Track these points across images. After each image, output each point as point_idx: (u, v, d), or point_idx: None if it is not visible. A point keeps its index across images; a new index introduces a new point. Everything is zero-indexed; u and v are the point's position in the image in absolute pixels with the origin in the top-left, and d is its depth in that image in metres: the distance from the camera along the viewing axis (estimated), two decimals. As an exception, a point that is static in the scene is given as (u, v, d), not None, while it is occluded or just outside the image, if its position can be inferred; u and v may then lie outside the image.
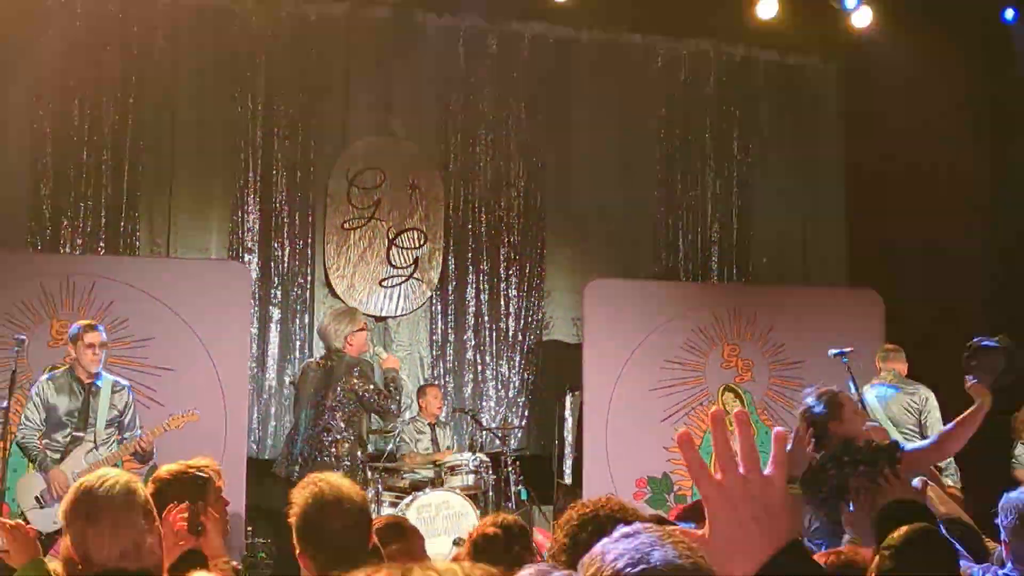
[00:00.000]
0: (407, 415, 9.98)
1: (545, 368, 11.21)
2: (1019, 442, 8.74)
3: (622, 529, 1.64)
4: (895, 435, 7.54)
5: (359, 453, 8.35)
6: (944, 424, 7.61)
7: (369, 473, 8.82)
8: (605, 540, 1.64)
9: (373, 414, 8.77)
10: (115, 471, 3.21)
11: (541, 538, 8.19)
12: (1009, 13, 10.93)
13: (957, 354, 6.90)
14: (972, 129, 11.39)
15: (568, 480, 10.35)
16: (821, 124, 12.14)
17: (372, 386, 8.13)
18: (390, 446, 9.62)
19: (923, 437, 7.74)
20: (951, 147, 11.24)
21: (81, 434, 7.39)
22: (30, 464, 7.61)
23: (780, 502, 1.52)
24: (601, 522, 2.80)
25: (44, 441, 7.35)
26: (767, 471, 1.53)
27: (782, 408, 10.20)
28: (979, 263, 11.34)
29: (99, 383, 7.47)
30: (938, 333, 10.43)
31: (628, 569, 1.53)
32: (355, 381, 8.09)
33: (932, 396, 8.28)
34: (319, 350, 10.47)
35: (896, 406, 8.24)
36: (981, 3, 11.14)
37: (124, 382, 7.83)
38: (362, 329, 8.39)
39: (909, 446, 5.32)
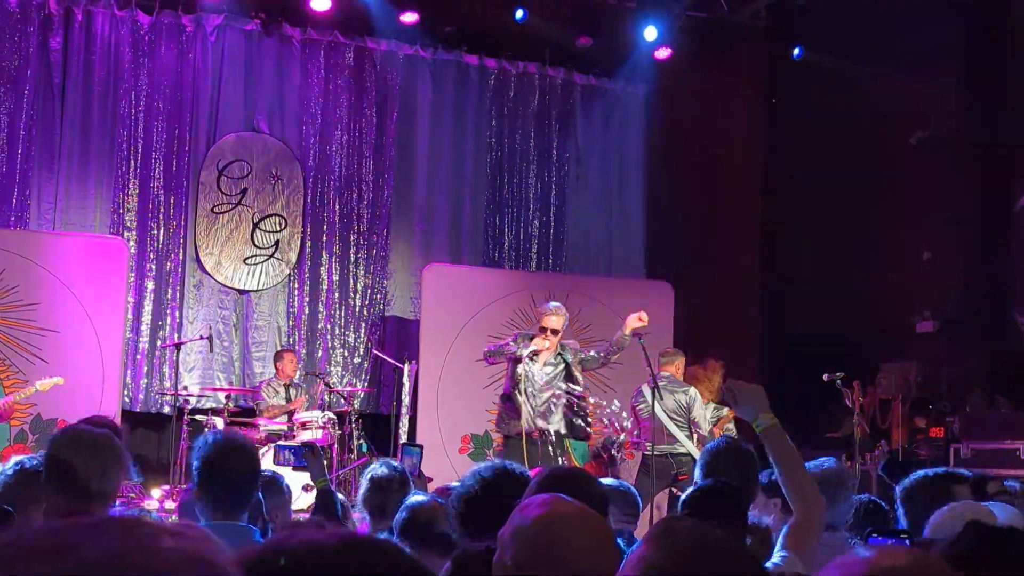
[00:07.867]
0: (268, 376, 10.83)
1: (386, 340, 12.00)
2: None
3: None
4: (670, 426, 8.45)
5: None
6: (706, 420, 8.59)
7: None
8: None
9: None
10: None
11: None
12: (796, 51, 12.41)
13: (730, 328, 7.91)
14: (752, 147, 12.86)
15: (404, 437, 10.79)
16: (626, 138, 13.19)
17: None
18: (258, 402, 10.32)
19: (692, 429, 8.54)
20: (734, 162, 12.76)
21: None
22: None
23: None
24: None
25: None
26: None
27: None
28: (753, 260, 12.83)
29: None
30: (713, 317, 12.11)
31: None
32: None
33: (698, 394, 8.74)
34: (188, 320, 11.48)
35: (671, 402, 8.59)
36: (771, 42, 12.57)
37: None
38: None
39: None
